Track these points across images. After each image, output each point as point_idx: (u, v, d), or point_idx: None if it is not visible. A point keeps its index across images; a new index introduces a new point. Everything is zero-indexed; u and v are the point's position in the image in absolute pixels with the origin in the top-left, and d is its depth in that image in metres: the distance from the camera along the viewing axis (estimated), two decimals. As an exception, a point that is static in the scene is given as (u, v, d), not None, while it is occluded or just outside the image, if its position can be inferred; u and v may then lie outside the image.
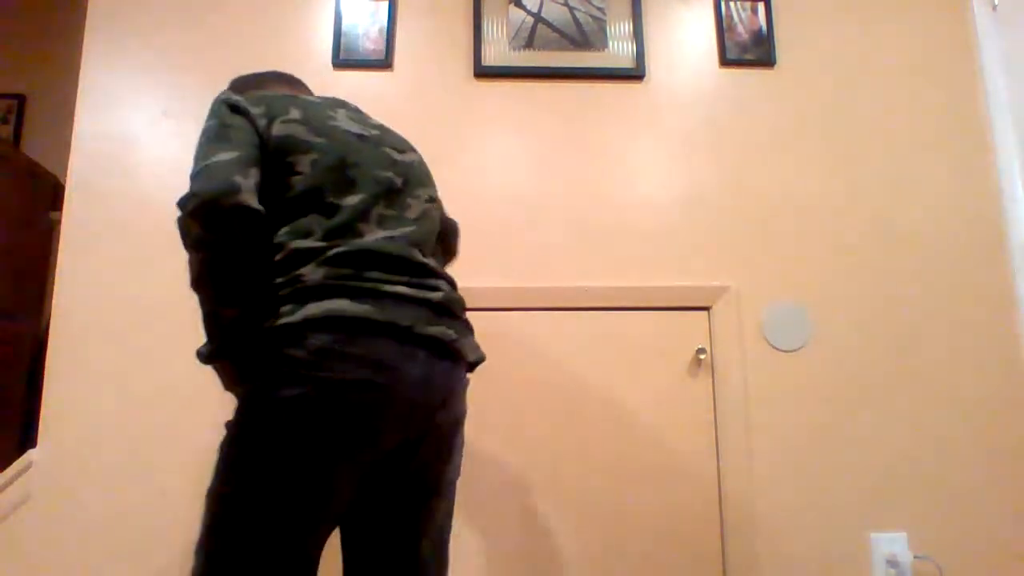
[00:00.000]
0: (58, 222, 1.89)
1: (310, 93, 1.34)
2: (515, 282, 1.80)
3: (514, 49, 1.93)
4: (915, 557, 1.69)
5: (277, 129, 1.06)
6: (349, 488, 0.99)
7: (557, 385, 1.74)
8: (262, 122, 1.06)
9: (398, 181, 1.15)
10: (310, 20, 1.92)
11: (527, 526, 1.68)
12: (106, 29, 1.87)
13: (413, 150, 1.25)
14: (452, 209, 1.82)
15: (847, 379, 1.79)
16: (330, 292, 1.00)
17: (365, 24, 1.91)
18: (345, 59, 1.89)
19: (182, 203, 0.96)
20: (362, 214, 1.07)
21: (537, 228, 1.84)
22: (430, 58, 1.91)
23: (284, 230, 1.04)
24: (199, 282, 0.98)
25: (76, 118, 1.81)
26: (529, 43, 1.93)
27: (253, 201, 0.97)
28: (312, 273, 1.01)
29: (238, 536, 0.91)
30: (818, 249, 1.86)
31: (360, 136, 1.15)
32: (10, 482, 1.62)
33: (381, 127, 1.23)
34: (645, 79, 1.93)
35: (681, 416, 1.74)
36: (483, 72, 1.90)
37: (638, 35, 1.94)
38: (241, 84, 1.30)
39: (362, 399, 0.95)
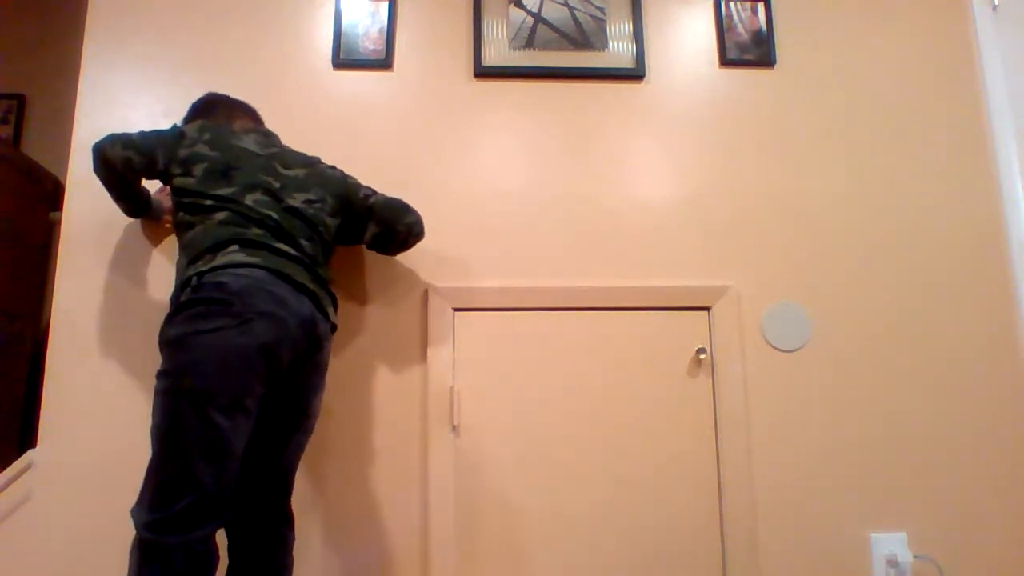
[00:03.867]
0: (58, 222, 1.88)
1: (254, 120, 1.65)
2: (515, 282, 1.80)
3: (514, 49, 1.93)
4: (915, 557, 1.69)
5: (195, 150, 1.44)
6: (259, 387, 1.29)
7: (557, 385, 1.74)
8: (184, 143, 1.46)
9: (276, 185, 1.45)
10: (310, 20, 1.92)
11: (526, 524, 1.68)
12: (106, 29, 1.87)
13: (306, 166, 1.53)
14: (451, 209, 1.82)
15: (847, 379, 1.79)
16: (240, 245, 1.34)
17: (365, 24, 1.91)
18: (345, 59, 1.89)
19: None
20: (240, 195, 1.41)
21: (537, 228, 1.84)
22: (430, 58, 1.91)
23: (188, 203, 1.40)
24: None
25: (76, 118, 1.81)
26: (529, 43, 1.93)
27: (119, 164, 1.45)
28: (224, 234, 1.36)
29: (189, 419, 1.21)
30: (818, 249, 1.86)
31: (255, 154, 1.47)
32: (10, 482, 1.62)
33: (282, 149, 1.53)
34: (645, 79, 1.93)
35: (681, 416, 1.75)
36: (483, 72, 1.90)
37: (638, 35, 1.94)
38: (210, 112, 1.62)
39: (268, 325, 1.28)
